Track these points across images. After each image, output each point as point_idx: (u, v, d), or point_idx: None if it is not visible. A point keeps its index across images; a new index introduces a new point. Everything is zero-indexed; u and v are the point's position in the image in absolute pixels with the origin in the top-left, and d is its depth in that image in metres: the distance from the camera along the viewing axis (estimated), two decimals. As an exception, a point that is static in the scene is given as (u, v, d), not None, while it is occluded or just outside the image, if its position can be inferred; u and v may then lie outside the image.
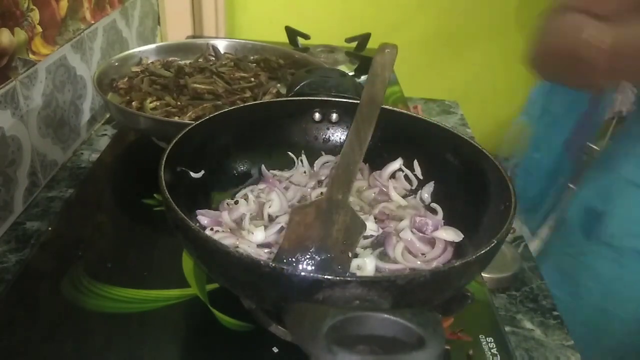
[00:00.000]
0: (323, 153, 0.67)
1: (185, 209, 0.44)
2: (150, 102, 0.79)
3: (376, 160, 0.65)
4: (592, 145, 1.97)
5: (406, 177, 0.64)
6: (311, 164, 0.66)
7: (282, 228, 0.53)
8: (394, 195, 0.61)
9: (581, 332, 0.68)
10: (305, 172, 0.65)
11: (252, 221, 0.57)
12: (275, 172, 0.65)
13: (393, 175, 0.64)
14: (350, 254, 0.47)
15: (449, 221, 0.59)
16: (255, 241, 0.52)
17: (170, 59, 0.96)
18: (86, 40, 0.92)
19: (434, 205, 0.61)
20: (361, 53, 1.22)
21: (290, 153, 0.66)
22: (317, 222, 0.49)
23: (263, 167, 0.65)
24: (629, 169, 0.78)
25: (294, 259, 0.46)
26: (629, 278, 0.78)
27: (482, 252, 0.40)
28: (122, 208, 0.72)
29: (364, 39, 1.26)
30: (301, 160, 0.66)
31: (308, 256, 0.46)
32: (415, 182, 0.64)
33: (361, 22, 1.48)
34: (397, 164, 0.64)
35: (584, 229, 0.83)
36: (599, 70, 0.45)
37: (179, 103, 0.79)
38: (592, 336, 0.80)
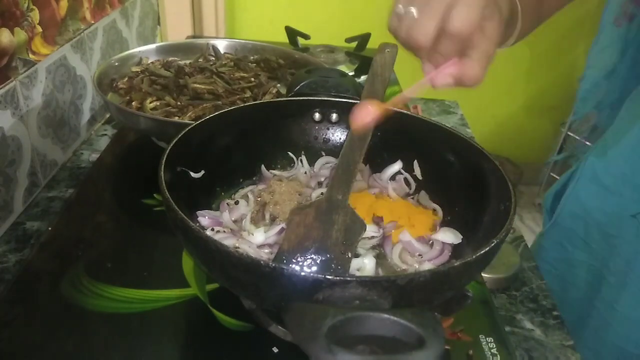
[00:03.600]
0: (323, 153, 0.67)
1: (185, 209, 0.44)
2: (150, 102, 0.78)
3: (376, 160, 0.65)
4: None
5: (405, 180, 0.64)
6: (311, 164, 0.66)
7: (282, 229, 0.53)
8: (394, 196, 0.61)
9: None
10: (305, 173, 0.65)
11: (252, 222, 0.57)
12: (275, 172, 0.65)
13: (393, 178, 0.64)
14: (349, 255, 0.47)
15: (448, 221, 0.59)
16: (255, 242, 0.52)
17: (170, 59, 0.96)
18: (86, 40, 0.92)
19: (434, 205, 0.61)
20: (361, 53, 1.22)
21: (290, 153, 0.66)
22: (316, 223, 0.49)
23: (263, 167, 0.65)
24: None
25: (293, 260, 0.46)
26: None
27: (482, 252, 0.40)
28: (122, 208, 0.72)
29: (364, 39, 1.26)
30: (301, 161, 0.66)
31: (308, 257, 0.46)
32: (413, 185, 0.64)
33: (361, 22, 1.48)
34: (397, 166, 0.64)
35: None
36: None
37: (179, 103, 0.79)
38: None
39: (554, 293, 0.73)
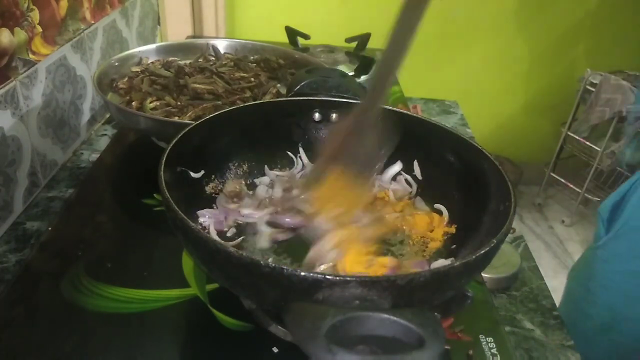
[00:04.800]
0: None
1: (185, 209, 0.44)
2: (150, 102, 0.78)
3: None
4: (592, 146, 1.97)
5: (406, 181, 0.64)
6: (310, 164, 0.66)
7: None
8: (393, 198, 0.61)
9: None
10: (302, 169, 0.65)
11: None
12: (276, 172, 0.65)
13: (394, 179, 0.64)
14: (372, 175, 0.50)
15: (449, 221, 0.59)
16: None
17: (170, 59, 0.96)
18: (86, 40, 0.92)
19: (438, 206, 0.61)
20: (361, 53, 1.22)
21: (290, 153, 0.66)
22: (350, 138, 0.50)
23: (266, 167, 0.65)
24: None
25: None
26: None
27: (482, 252, 0.40)
28: (122, 208, 0.72)
29: (364, 39, 1.26)
30: (300, 157, 0.66)
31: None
32: (415, 186, 0.64)
33: (361, 22, 1.48)
34: (397, 167, 0.64)
35: None
36: None
37: (179, 103, 0.79)
38: None
39: (615, 308, 0.71)
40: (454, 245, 0.56)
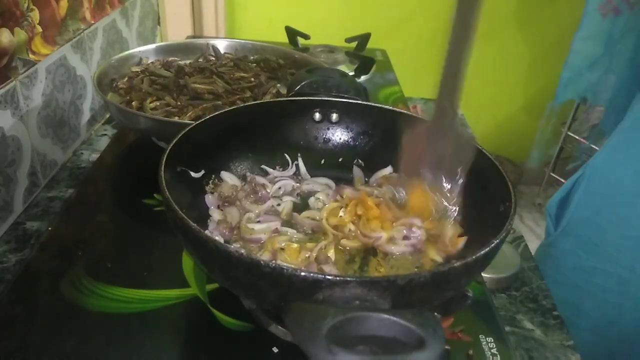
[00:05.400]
0: (323, 160, 0.67)
1: (185, 209, 0.44)
2: (150, 102, 0.79)
3: (376, 159, 0.65)
4: (592, 145, 1.97)
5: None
6: (310, 165, 0.66)
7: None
8: (377, 200, 0.60)
9: None
10: (295, 174, 0.65)
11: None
12: (275, 172, 0.65)
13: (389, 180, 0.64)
14: (459, 179, 0.47)
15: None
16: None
17: (170, 59, 0.96)
18: (86, 40, 0.92)
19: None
20: (361, 53, 1.22)
21: (287, 155, 0.66)
22: (429, 144, 0.48)
23: (265, 167, 0.65)
24: None
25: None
26: None
27: (482, 252, 0.40)
28: (122, 208, 0.72)
29: (364, 39, 1.26)
30: (296, 165, 0.66)
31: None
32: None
33: (361, 22, 1.48)
34: (387, 170, 0.64)
35: None
36: None
37: (179, 103, 0.79)
38: None
39: (569, 304, 0.71)
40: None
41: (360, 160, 0.67)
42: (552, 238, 0.87)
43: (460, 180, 0.47)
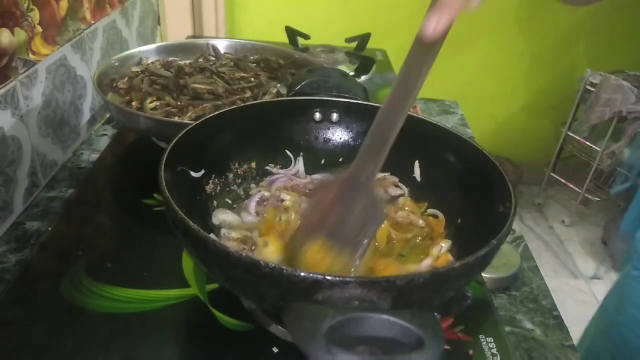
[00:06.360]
0: (323, 160, 0.67)
1: (185, 209, 0.44)
2: (150, 102, 0.79)
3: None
4: (592, 145, 1.97)
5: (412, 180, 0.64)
6: (310, 164, 0.66)
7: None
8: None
9: None
10: (297, 173, 0.66)
11: None
12: (274, 171, 0.65)
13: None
14: (358, 250, 0.44)
15: (449, 221, 0.59)
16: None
17: (170, 59, 0.96)
18: (86, 40, 0.92)
19: (433, 210, 0.60)
20: (361, 53, 1.22)
21: (288, 152, 0.66)
22: (336, 204, 0.45)
23: (270, 166, 0.65)
24: None
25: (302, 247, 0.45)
26: None
27: (482, 252, 0.40)
28: (122, 208, 0.72)
29: (364, 39, 1.26)
30: (298, 160, 0.66)
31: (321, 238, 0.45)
32: (406, 190, 0.64)
33: (361, 22, 1.48)
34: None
35: None
36: None
37: (179, 103, 0.79)
38: None
39: None
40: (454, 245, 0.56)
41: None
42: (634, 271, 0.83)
43: (366, 242, 0.44)
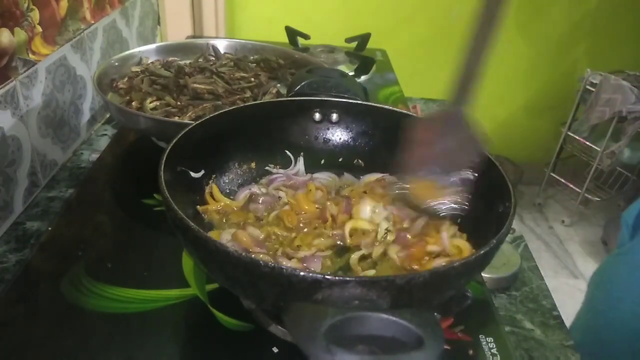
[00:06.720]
0: (323, 160, 0.67)
1: (185, 209, 0.44)
2: (150, 102, 0.79)
3: (375, 160, 0.65)
4: (592, 146, 1.97)
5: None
6: (310, 164, 0.66)
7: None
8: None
9: None
10: (297, 173, 0.65)
11: None
12: (274, 170, 0.65)
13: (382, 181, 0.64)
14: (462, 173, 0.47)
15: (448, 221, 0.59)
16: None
17: (170, 59, 0.96)
18: (86, 40, 0.92)
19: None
20: (361, 53, 1.22)
21: (288, 152, 0.66)
22: (438, 140, 0.48)
23: (269, 168, 0.65)
24: None
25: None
26: None
27: (482, 252, 0.40)
28: (122, 208, 0.72)
29: (364, 39, 1.26)
30: (298, 161, 0.66)
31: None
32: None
33: (361, 22, 1.48)
34: (376, 176, 0.64)
35: None
36: None
37: (179, 103, 0.79)
38: None
39: (637, 319, 0.69)
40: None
41: (360, 161, 0.67)
42: (626, 247, 0.85)
43: (470, 176, 0.47)
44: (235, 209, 0.58)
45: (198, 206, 0.57)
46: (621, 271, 0.85)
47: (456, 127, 0.47)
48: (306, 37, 1.24)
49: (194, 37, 1.53)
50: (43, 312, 0.53)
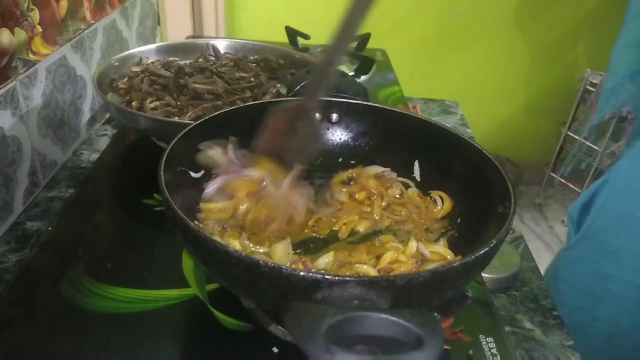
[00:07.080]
0: (323, 154, 0.67)
1: (185, 209, 0.44)
2: (150, 102, 0.79)
3: (377, 161, 0.65)
4: (592, 146, 1.97)
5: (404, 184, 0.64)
6: (310, 164, 0.66)
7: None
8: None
9: None
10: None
11: None
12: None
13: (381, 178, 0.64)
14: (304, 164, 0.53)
15: (448, 221, 0.59)
16: None
17: (170, 59, 0.96)
18: (86, 40, 0.92)
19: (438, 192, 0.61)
20: (361, 53, 1.22)
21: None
22: (286, 128, 0.54)
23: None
24: None
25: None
26: None
27: (482, 252, 0.40)
28: (122, 208, 0.72)
29: (364, 39, 1.26)
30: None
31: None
32: (412, 184, 0.64)
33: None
34: (377, 168, 0.65)
35: None
36: None
37: (179, 103, 0.79)
38: None
39: (584, 310, 0.70)
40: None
41: (360, 161, 0.67)
42: (571, 242, 0.86)
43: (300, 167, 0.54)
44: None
45: (198, 206, 0.57)
46: (566, 266, 0.85)
47: (304, 120, 0.53)
48: (306, 37, 1.24)
49: (194, 37, 1.53)
50: (43, 312, 0.53)
